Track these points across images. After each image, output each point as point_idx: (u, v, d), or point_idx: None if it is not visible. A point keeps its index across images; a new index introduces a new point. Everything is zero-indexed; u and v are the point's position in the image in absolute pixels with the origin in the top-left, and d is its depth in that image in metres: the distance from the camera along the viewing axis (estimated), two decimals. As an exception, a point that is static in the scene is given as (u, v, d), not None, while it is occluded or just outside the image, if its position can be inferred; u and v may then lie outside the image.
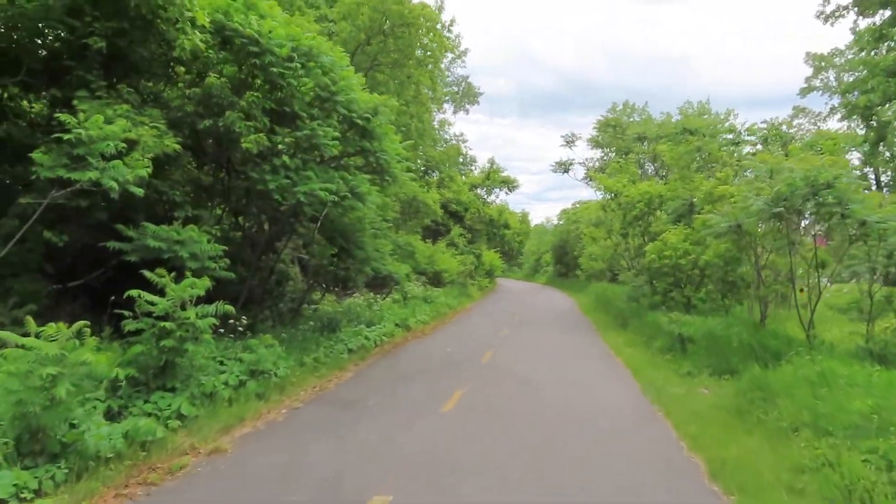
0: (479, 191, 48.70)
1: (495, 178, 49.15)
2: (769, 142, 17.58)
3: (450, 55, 36.00)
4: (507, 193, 58.85)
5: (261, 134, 11.13)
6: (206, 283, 8.40)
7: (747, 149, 18.71)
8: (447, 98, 44.75)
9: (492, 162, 48.50)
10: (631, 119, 44.40)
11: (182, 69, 11.38)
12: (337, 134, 12.34)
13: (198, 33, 9.98)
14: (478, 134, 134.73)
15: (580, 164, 30.82)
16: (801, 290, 13.76)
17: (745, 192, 12.78)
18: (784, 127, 18.29)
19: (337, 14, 26.50)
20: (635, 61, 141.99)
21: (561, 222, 58.29)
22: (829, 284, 14.01)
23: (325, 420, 8.61)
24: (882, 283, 18.03)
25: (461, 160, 48.91)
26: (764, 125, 18.39)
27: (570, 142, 28.13)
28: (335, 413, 8.99)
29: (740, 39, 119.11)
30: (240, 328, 10.67)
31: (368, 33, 25.97)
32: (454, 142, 46.02)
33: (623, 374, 12.32)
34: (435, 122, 38.77)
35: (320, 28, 16.55)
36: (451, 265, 31.66)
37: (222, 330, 10.01)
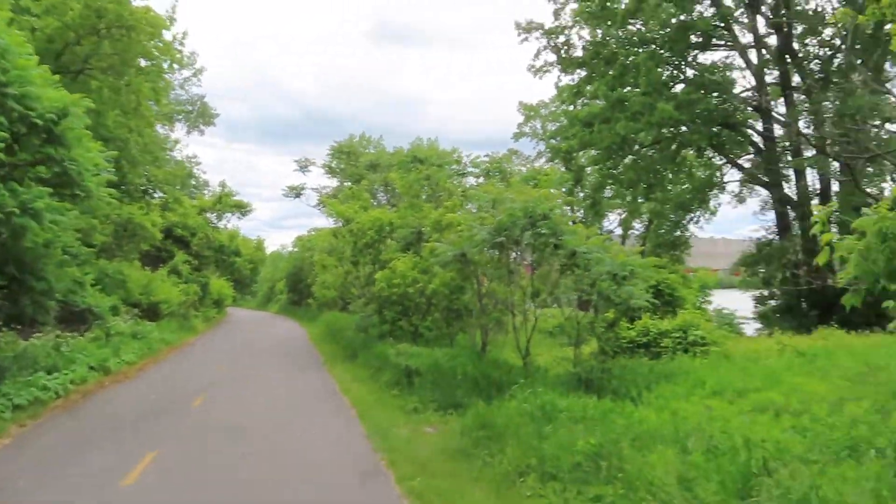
0: (209, 215, 44.73)
1: (227, 202, 45.62)
2: (491, 174, 18.21)
3: (184, 72, 32.43)
4: (239, 218, 55.03)
5: None
6: None
7: (471, 180, 19.22)
8: (180, 116, 40.69)
9: (223, 185, 45.02)
10: (367, 151, 45.12)
11: None
12: (4, 135, 9.55)
13: None
14: (215, 158, 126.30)
15: (313, 189, 29.70)
16: (514, 316, 14.20)
17: (471, 222, 12.71)
18: (504, 163, 19.11)
19: (41, 7, 21.93)
20: (374, 97, 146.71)
21: (295, 249, 56.20)
22: (538, 310, 14.59)
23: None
24: (585, 310, 19.59)
25: (193, 183, 44.68)
26: (486, 158, 19.02)
27: (303, 166, 26.89)
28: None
29: (470, 86, 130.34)
30: None
31: (79, 32, 21.87)
32: (186, 163, 41.75)
33: (348, 417, 11.11)
34: (168, 142, 34.59)
35: (11, 16, 13.09)
36: (171, 295, 27.98)
37: None
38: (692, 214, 30.22)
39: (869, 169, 22.12)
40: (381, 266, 18.25)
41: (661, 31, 25.65)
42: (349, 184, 25.66)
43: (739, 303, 26.02)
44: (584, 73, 28.36)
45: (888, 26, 6.58)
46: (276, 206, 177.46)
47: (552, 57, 29.02)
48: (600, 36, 27.05)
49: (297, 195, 25.92)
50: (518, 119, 43.87)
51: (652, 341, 14.17)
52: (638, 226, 37.31)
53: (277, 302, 67.54)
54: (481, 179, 18.75)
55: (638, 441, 6.59)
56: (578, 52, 27.96)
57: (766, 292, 25.86)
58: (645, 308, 12.92)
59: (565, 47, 28.59)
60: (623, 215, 38.08)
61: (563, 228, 11.54)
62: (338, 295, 28.68)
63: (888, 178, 23.25)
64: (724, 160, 28.72)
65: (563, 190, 25.60)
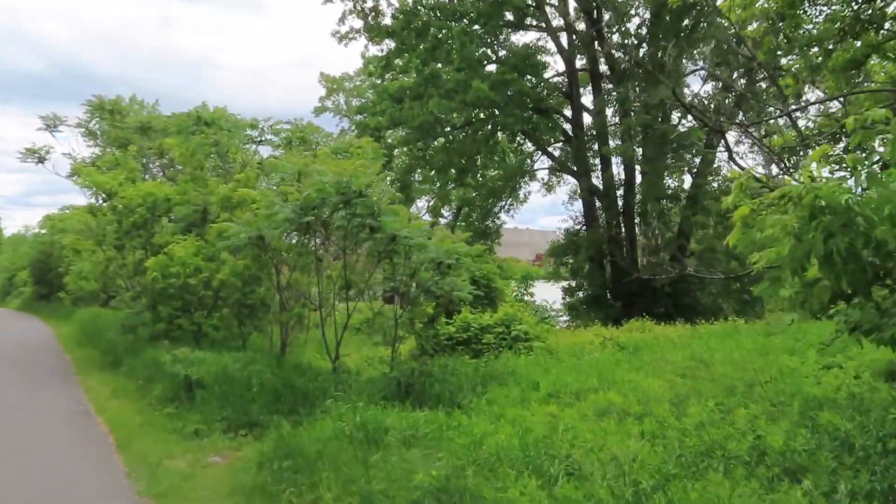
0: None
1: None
2: (293, 144, 16.64)
3: None
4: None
5: None
6: None
7: (269, 152, 17.52)
8: None
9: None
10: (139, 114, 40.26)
11: None
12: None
13: None
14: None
15: (66, 155, 25.30)
16: (322, 311, 13.18)
17: (271, 198, 11.23)
18: (311, 133, 17.58)
19: None
20: (150, 56, 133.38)
21: (43, 231, 48.72)
22: (354, 304, 13.67)
23: None
24: (391, 303, 18.90)
25: None
26: (288, 125, 17.36)
27: (51, 125, 22.57)
28: None
29: (266, 53, 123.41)
30: None
31: None
32: None
33: (102, 448, 8.95)
34: None
35: None
36: None
37: None
38: (502, 203, 31.01)
39: (670, 160, 23.97)
40: (154, 251, 15.81)
41: (475, 5, 25.67)
42: (113, 150, 22.17)
43: (546, 294, 27.14)
44: (393, 45, 27.67)
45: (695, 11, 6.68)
46: (23, 178, 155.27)
47: (359, 23, 27.97)
48: (411, 4, 26.45)
49: (41, 160, 21.62)
50: (320, 92, 42.11)
51: (473, 337, 13.89)
52: (447, 213, 37.63)
53: (19, 296, 58.55)
54: (281, 152, 17.04)
55: (486, 467, 5.73)
56: (388, 21, 27.17)
57: (573, 283, 27.23)
58: (467, 301, 12.50)
59: (373, 13, 27.64)
60: (432, 201, 38.16)
61: (383, 208, 10.50)
62: (99, 287, 24.97)
63: (685, 171, 25.41)
64: (535, 147, 29.75)
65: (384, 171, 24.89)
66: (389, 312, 12.43)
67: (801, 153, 6.40)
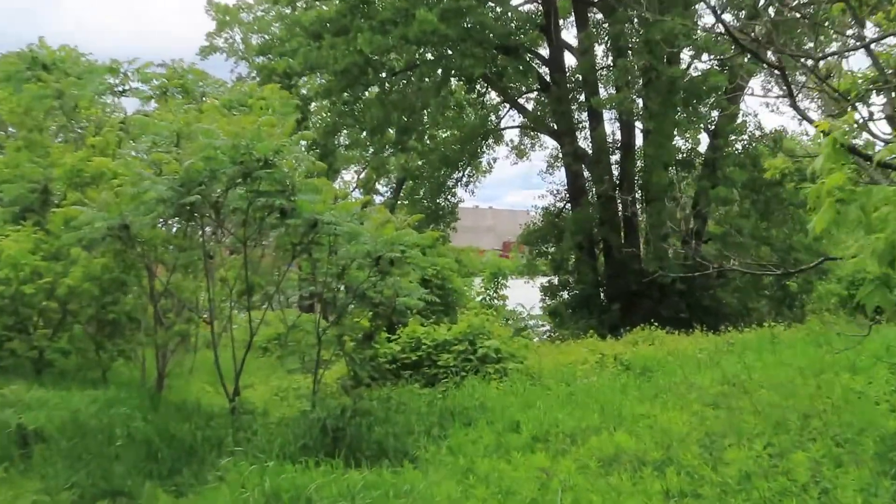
0: None
1: None
2: (171, 95, 16.29)
3: None
4: None
5: None
6: None
7: (137, 105, 17.15)
8: None
9: None
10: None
11: None
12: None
13: None
14: None
15: None
16: (206, 325, 13.09)
17: (139, 171, 10.97)
18: (196, 81, 17.25)
19: None
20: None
21: None
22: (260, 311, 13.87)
23: None
24: (309, 311, 18.68)
25: None
26: (162, 69, 16.94)
27: None
28: None
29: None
30: None
31: None
32: None
33: None
34: None
35: None
36: None
37: None
38: (459, 173, 30.90)
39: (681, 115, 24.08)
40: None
41: None
42: None
43: (519, 295, 27.17)
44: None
45: None
46: None
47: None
48: None
49: None
50: (208, 26, 41.32)
51: (426, 358, 13.81)
52: (384, 189, 37.49)
53: None
54: (154, 106, 16.69)
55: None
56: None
57: (556, 280, 27.30)
58: (416, 309, 12.43)
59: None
60: (363, 172, 37.89)
61: (298, 183, 10.20)
62: None
63: (700, 129, 25.60)
64: (502, 98, 29.71)
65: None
66: (309, 326, 12.29)
67: (885, 99, 6.19)
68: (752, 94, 28.89)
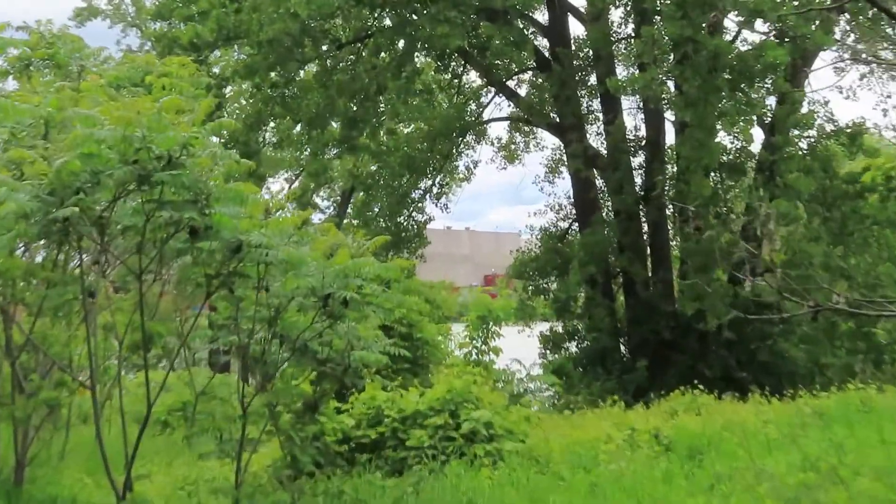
0: None
1: None
2: (36, 70, 16.05)
3: None
4: None
5: None
6: None
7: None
8: None
9: None
10: None
11: None
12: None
13: None
14: None
15: None
16: (86, 388, 12.90)
17: None
18: (71, 51, 17.06)
19: None
20: None
21: None
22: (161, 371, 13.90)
23: None
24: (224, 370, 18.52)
25: None
26: (23, 34, 16.75)
27: None
28: None
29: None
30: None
31: None
32: None
33: None
34: None
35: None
36: None
37: None
38: (427, 180, 30.73)
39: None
40: None
41: None
42: None
43: (512, 345, 26.91)
44: None
45: None
46: None
47: None
48: None
49: None
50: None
51: (390, 437, 13.64)
52: (324, 201, 37.26)
53: None
54: (13, 85, 16.47)
55: None
56: None
57: (560, 327, 27.08)
58: (376, 366, 12.56)
59: None
60: (297, 180, 37.67)
61: (216, 190, 9.93)
62: None
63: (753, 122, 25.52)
64: (486, 81, 29.64)
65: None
66: (228, 392, 12.40)
67: None
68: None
